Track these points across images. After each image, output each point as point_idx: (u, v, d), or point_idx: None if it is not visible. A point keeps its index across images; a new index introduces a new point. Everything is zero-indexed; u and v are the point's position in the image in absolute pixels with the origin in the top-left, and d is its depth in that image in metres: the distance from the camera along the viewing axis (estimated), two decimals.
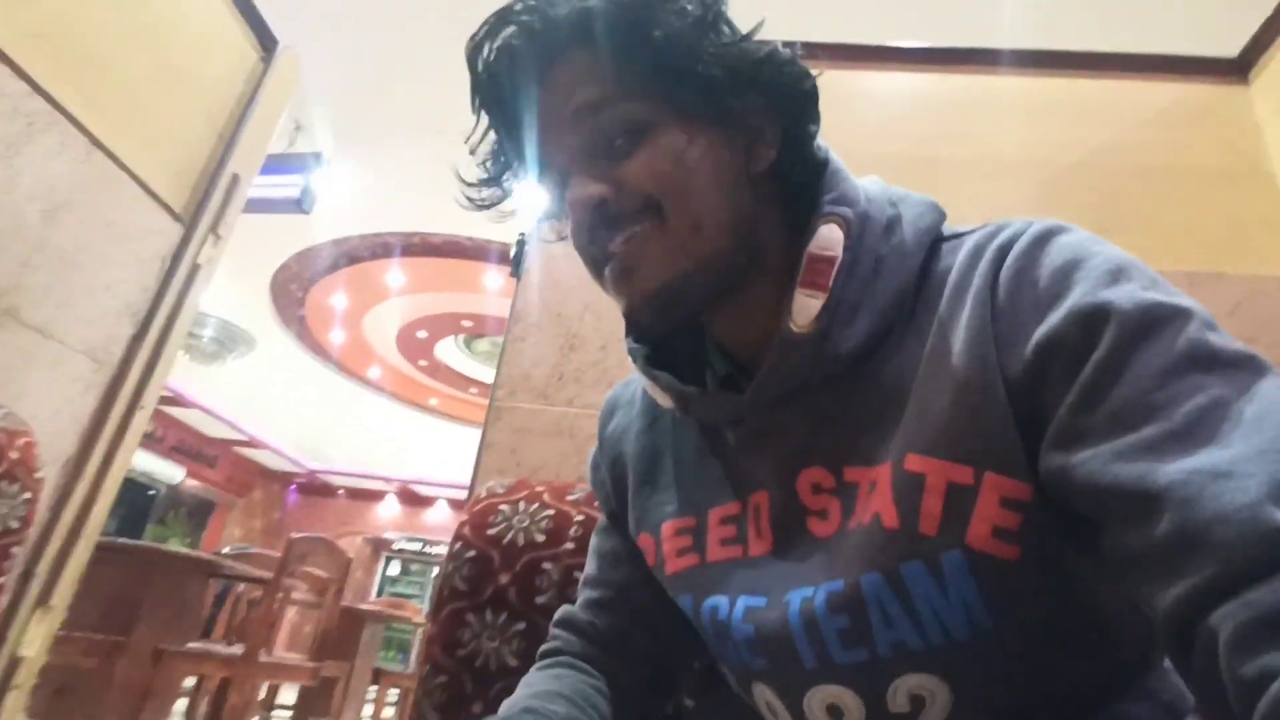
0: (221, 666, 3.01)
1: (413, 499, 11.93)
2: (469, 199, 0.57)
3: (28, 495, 1.15)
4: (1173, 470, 0.35)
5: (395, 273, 6.01)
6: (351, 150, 4.44)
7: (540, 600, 1.00)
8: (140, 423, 1.55)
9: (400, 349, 7.67)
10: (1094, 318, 0.40)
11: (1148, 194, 1.50)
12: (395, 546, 11.64)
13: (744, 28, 0.53)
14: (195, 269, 1.67)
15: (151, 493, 9.85)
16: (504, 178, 0.56)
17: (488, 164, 0.56)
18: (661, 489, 0.60)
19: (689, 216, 0.48)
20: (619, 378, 1.37)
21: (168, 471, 9.81)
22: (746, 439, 0.54)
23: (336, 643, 3.69)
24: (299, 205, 4.10)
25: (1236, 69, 1.62)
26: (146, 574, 3.06)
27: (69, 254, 1.41)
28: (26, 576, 1.34)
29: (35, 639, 1.36)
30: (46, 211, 1.36)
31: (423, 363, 7.91)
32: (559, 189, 0.53)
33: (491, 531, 1.05)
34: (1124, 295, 0.40)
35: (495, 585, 1.01)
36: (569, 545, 1.03)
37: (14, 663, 1.32)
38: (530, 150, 0.53)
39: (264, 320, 7.18)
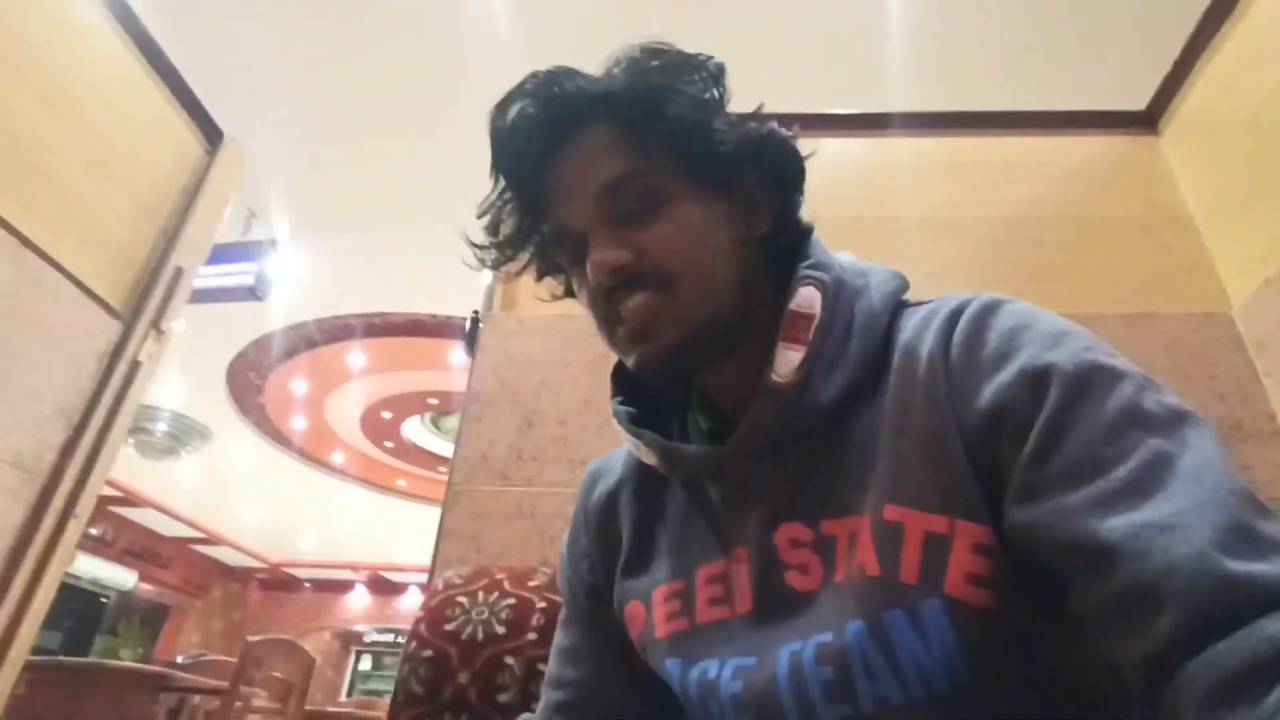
0: None
1: (383, 587, 11.49)
2: (480, 260, 0.60)
3: None
4: (1123, 524, 0.37)
5: (356, 354, 5.94)
6: (307, 235, 4.43)
7: (503, 699, 0.94)
8: (74, 531, 1.47)
9: (365, 431, 7.51)
10: (1040, 378, 0.44)
11: (1077, 243, 1.55)
12: (366, 639, 11.15)
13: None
14: (135, 366, 1.62)
15: (103, 600, 9.34)
16: (516, 239, 0.59)
17: (500, 226, 0.59)
18: (654, 556, 0.61)
19: (699, 284, 0.52)
20: (579, 452, 1.35)
21: (119, 577, 9.34)
22: (729, 494, 0.56)
23: None
24: (254, 293, 4.06)
25: (1145, 121, 1.71)
26: (86, 694, 2.85)
27: None
28: None
29: None
30: None
31: (389, 444, 7.75)
32: (571, 252, 0.56)
33: (449, 627, 1.00)
34: (1066, 356, 0.44)
35: (454, 686, 0.95)
36: (531, 635, 0.98)
37: None
38: (547, 214, 0.56)
39: (220, 411, 7.00)
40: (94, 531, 8.81)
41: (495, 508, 1.30)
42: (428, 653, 0.98)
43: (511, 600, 1.02)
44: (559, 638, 0.67)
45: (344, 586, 11.66)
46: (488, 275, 1.60)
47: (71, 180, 1.53)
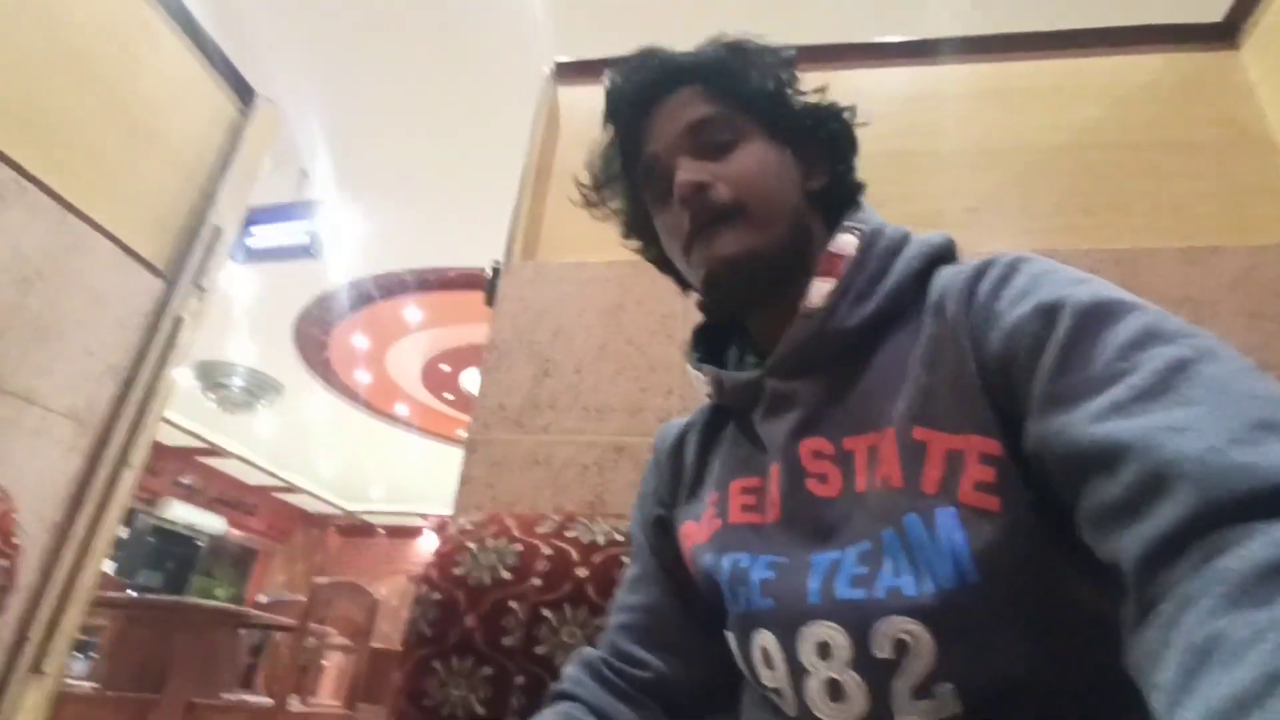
0: (253, 718, 3.01)
1: None
2: (584, 198, 0.74)
3: (5, 562, 1.14)
4: (1137, 425, 0.38)
5: (413, 309, 6.07)
6: (360, 192, 4.51)
7: (507, 642, 0.96)
8: (129, 481, 1.55)
9: (425, 384, 7.74)
10: (1052, 309, 0.47)
11: (1136, 171, 1.43)
12: None
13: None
14: (179, 322, 1.68)
15: (198, 544, 10.03)
16: (616, 177, 0.71)
17: (605, 168, 0.71)
18: (708, 480, 0.68)
19: (764, 210, 0.61)
20: (592, 400, 1.34)
21: (210, 523, 9.99)
22: (765, 414, 0.62)
23: (369, 686, 3.67)
24: (309, 251, 4.16)
25: (1223, 33, 1.55)
26: (175, 629, 3.08)
27: (46, 321, 1.42)
28: (18, 644, 1.34)
29: (31, 706, 1.36)
30: (21, 281, 1.38)
31: (448, 395, 7.97)
32: (658, 183, 0.66)
33: (457, 571, 1.02)
34: (1081, 292, 0.47)
35: (461, 628, 0.98)
36: (536, 581, 0.99)
37: None
38: (643, 152, 0.67)
39: (290, 366, 7.30)
40: (185, 481, 9.43)
41: (511, 456, 1.31)
42: (436, 596, 1.01)
43: (518, 546, 1.03)
44: (628, 571, 0.75)
45: (414, 532, 12.19)
46: (510, 222, 1.59)
47: (109, 146, 1.58)
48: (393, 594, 11.84)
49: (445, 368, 7.29)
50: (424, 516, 11.70)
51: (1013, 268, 0.53)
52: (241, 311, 5.93)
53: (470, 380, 7.56)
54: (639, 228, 0.73)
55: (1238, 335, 1.20)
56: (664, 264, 0.74)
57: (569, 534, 1.04)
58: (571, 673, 0.68)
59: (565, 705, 0.64)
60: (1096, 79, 1.56)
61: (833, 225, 0.64)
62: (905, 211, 1.43)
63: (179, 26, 1.78)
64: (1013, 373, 0.48)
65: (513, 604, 0.98)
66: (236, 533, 10.53)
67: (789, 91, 0.67)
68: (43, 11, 1.45)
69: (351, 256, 5.11)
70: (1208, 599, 0.31)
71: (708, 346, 0.72)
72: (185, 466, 9.50)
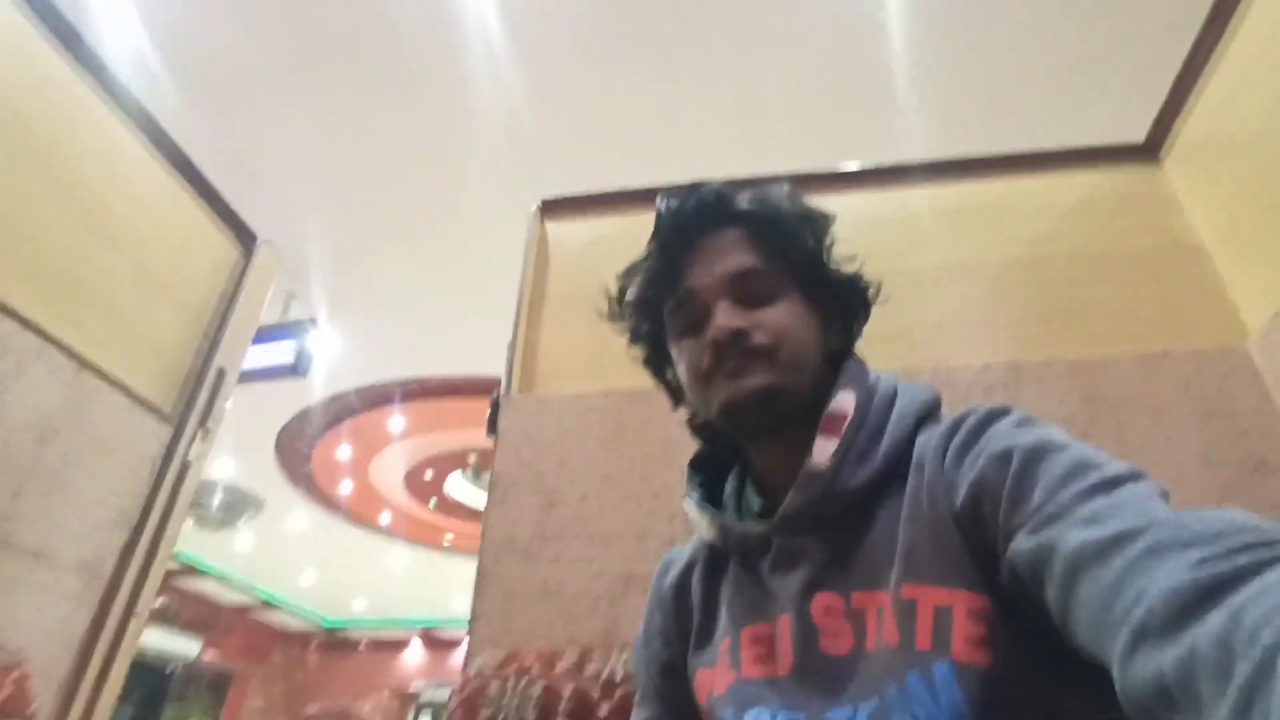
0: None
1: (437, 644, 11.54)
2: (611, 314, 0.77)
3: None
4: (1057, 530, 0.45)
5: (396, 418, 6.09)
6: (343, 311, 4.61)
7: None
8: (135, 630, 1.55)
9: (409, 491, 7.65)
10: (1004, 455, 0.53)
11: (1085, 281, 1.56)
12: (424, 698, 11.16)
13: None
14: (186, 466, 1.72)
15: (168, 671, 9.55)
16: (650, 297, 0.73)
17: (639, 289, 0.73)
18: (718, 627, 0.69)
19: (793, 358, 0.65)
20: (599, 529, 1.39)
21: (183, 647, 9.55)
22: (774, 565, 0.64)
23: None
24: (294, 370, 4.22)
25: (1146, 152, 1.72)
26: None
27: (60, 474, 1.45)
28: None
29: None
30: (38, 438, 1.42)
31: (433, 502, 7.87)
32: (690, 315, 0.69)
33: (484, 714, 1.04)
34: (1025, 438, 0.54)
35: None
36: None
37: None
38: (681, 280, 0.69)
39: (271, 481, 7.21)
40: (159, 603, 9.06)
41: (523, 588, 1.34)
42: None
43: (539, 686, 1.05)
44: (636, 714, 0.75)
45: (399, 645, 11.74)
46: (508, 339, 1.67)
47: (120, 299, 1.65)
48: (376, 710, 11.28)
49: (429, 474, 7.23)
50: (407, 628, 11.28)
51: (976, 430, 0.59)
52: (223, 430, 5.89)
53: (454, 485, 7.49)
54: (650, 341, 0.76)
55: (1192, 434, 1.30)
56: (660, 375, 0.77)
57: (588, 671, 1.07)
58: None
59: None
60: (1041, 197, 1.71)
61: (829, 381, 0.67)
62: (880, 330, 1.55)
63: (184, 179, 1.89)
64: (982, 517, 0.53)
65: None
66: (211, 655, 10.05)
67: (827, 254, 0.71)
68: (62, 176, 1.55)
69: (335, 371, 5.17)
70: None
71: (704, 476, 0.75)
72: (160, 590, 9.13)
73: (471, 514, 7.92)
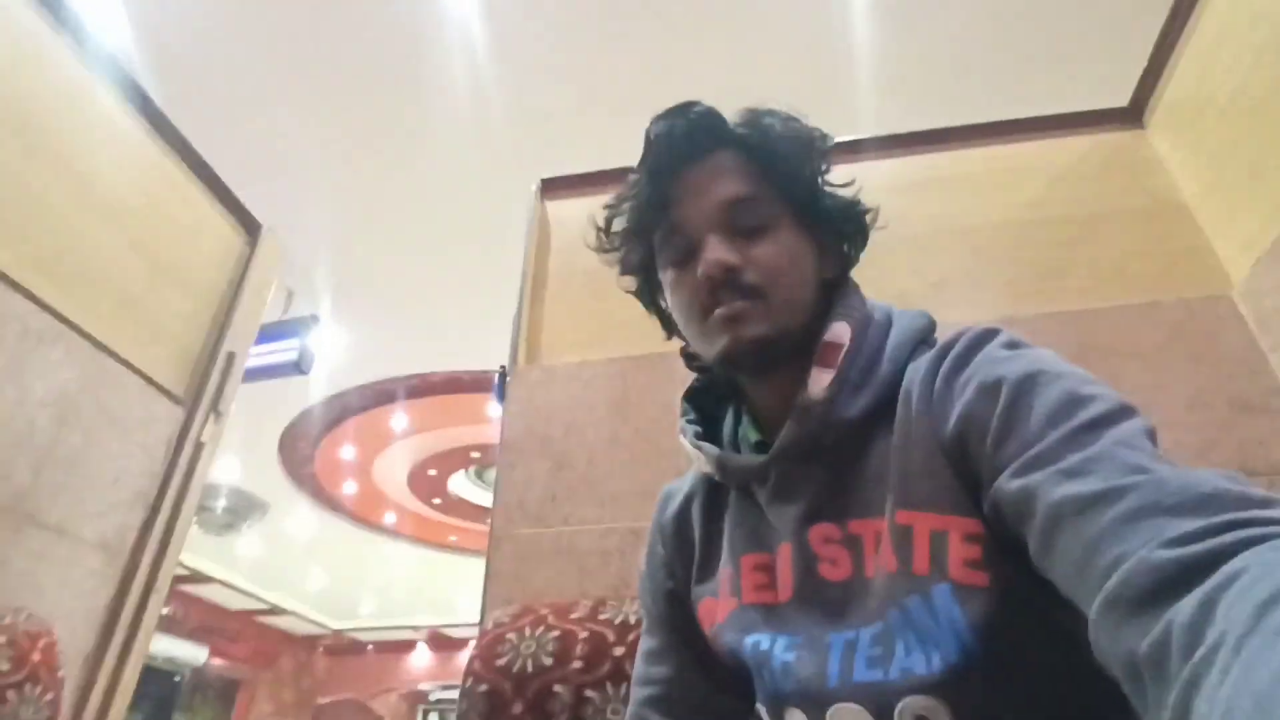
0: None
1: (444, 644, 11.57)
2: (599, 245, 0.73)
3: (50, 695, 1.17)
4: (1041, 475, 0.45)
5: (399, 416, 6.11)
6: (344, 308, 4.64)
7: None
8: (155, 606, 1.59)
9: (413, 490, 7.67)
10: (992, 387, 0.53)
11: (1076, 240, 1.60)
12: (432, 698, 11.19)
13: None
14: (199, 447, 1.75)
15: (176, 679, 9.57)
16: (637, 229, 0.70)
17: (628, 219, 0.70)
18: (719, 557, 0.70)
19: (786, 298, 0.63)
20: (607, 489, 1.42)
21: (191, 654, 9.57)
22: (771, 497, 0.65)
23: None
24: (298, 368, 4.24)
25: (1130, 115, 1.76)
26: None
27: (79, 453, 1.49)
28: None
29: None
30: (56, 417, 1.45)
31: (437, 500, 7.89)
32: (680, 249, 0.66)
33: (500, 662, 1.08)
34: (1013, 368, 0.53)
35: (509, 716, 1.03)
36: (577, 664, 1.05)
37: None
38: (670, 211, 0.67)
39: (275, 483, 7.23)
40: (164, 610, 9.04)
41: (535, 549, 1.38)
42: (483, 687, 1.06)
43: (556, 633, 1.09)
44: (643, 643, 0.76)
45: (406, 647, 11.76)
46: (512, 316, 1.70)
47: (132, 284, 1.69)
48: (386, 712, 11.30)
49: (433, 472, 7.25)
50: (414, 628, 11.31)
51: (964, 356, 0.58)
52: (227, 431, 5.91)
53: (458, 484, 7.51)
54: (642, 270, 0.73)
55: (1182, 378, 1.34)
56: (652, 305, 0.76)
57: (602, 616, 1.10)
58: None
59: None
60: (1030, 162, 1.75)
61: (825, 311, 0.66)
62: (878, 290, 1.59)
63: (192, 170, 1.92)
64: (969, 450, 0.53)
65: (557, 688, 1.03)
66: (218, 662, 10.07)
67: (823, 180, 0.68)
68: (74, 167, 1.59)
69: (337, 369, 5.19)
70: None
71: (700, 410, 0.74)
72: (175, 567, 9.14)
73: (476, 511, 7.94)
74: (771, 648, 0.61)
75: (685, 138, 0.66)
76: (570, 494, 1.42)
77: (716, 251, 0.62)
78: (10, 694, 1.11)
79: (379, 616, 11.27)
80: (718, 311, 0.63)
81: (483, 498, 7.65)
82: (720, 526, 0.71)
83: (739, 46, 2.92)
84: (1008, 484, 0.47)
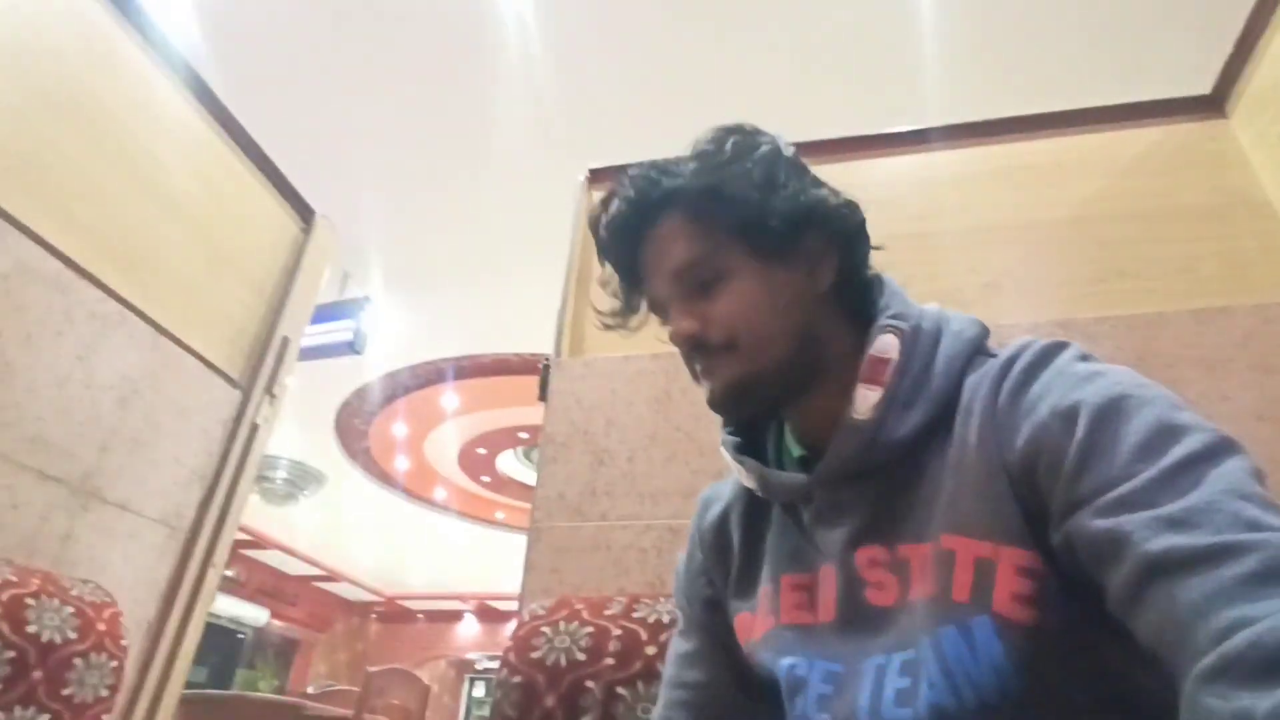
0: None
1: (491, 615, 11.85)
2: (604, 324, 0.73)
3: (115, 663, 1.23)
4: (1138, 519, 0.41)
5: (449, 396, 6.24)
6: (398, 290, 4.74)
7: None
8: (213, 579, 1.66)
9: (463, 468, 7.84)
10: (1068, 413, 0.49)
11: (1142, 239, 1.52)
12: (478, 667, 11.49)
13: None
14: (254, 429, 1.82)
15: (240, 637, 10.05)
16: (626, 307, 0.71)
17: (616, 296, 0.72)
18: (760, 571, 0.68)
19: (755, 343, 0.61)
20: (647, 487, 1.42)
21: (253, 614, 10.03)
22: (816, 516, 0.63)
23: None
24: (352, 347, 4.36)
25: (1212, 105, 1.66)
26: None
27: (141, 434, 1.55)
28: None
29: None
30: (120, 399, 1.52)
31: (485, 478, 8.05)
32: (662, 316, 0.68)
33: (535, 654, 1.09)
34: (1092, 392, 0.49)
35: (542, 709, 1.04)
36: (609, 661, 1.06)
37: None
38: (643, 287, 0.68)
39: (332, 456, 7.47)
40: (229, 573, 9.52)
41: (573, 542, 1.39)
42: (517, 679, 1.08)
43: (590, 629, 1.10)
44: (676, 644, 0.75)
45: (454, 616, 12.09)
46: (556, 321, 1.71)
47: (192, 271, 1.75)
48: (433, 679, 11.67)
49: (481, 451, 7.39)
50: (462, 600, 11.62)
51: (1032, 370, 0.54)
52: (285, 407, 6.13)
53: (506, 463, 7.64)
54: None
55: (1251, 389, 1.27)
56: None
57: (636, 614, 1.11)
58: None
59: None
60: (1095, 154, 1.67)
61: (858, 316, 0.64)
62: (929, 290, 1.55)
63: (251, 160, 1.97)
64: (1038, 478, 0.49)
65: (589, 684, 1.05)
66: (278, 623, 10.53)
67: (776, 197, 0.63)
68: (136, 156, 1.65)
69: (391, 349, 5.32)
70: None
71: (745, 428, 0.71)
72: (229, 558, 9.59)
73: (524, 490, 8.07)
74: (808, 675, 0.59)
75: (628, 219, 0.66)
76: (610, 489, 1.43)
77: (678, 322, 0.63)
78: (77, 661, 1.17)
79: (429, 586, 11.61)
80: (696, 368, 0.64)
81: (530, 477, 7.76)
82: (761, 541, 0.70)
83: (796, 35, 2.85)
84: (1090, 523, 0.44)
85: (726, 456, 0.69)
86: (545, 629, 1.12)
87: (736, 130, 0.67)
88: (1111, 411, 0.47)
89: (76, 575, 1.30)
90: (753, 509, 0.71)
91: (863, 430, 0.58)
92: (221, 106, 1.88)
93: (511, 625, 1.16)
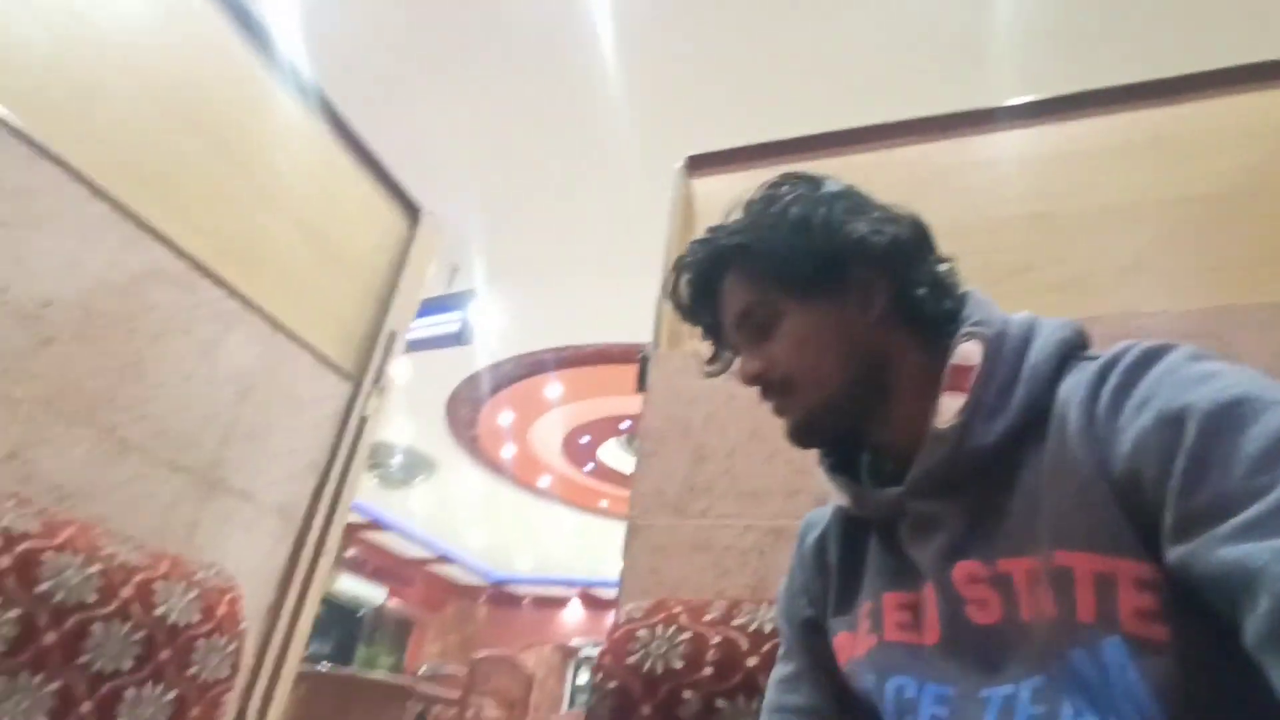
0: None
1: (594, 603, 12.07)
2: (706, 374, 0.79)
3: (234, 645, 1.29)
4: (1269, 548, 0.37)
5: (553, 385, 6.37)
6: (503, 281, 4.85)
7: None
8: (325, 566, 1.72)
9: (567, 456, 8.00)
10: (1175, 419, 0.45)
11: None
12: (583, 654, 11.73)
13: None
14: (364, 421, 1.87)
15: (359, 614, 10.68)
16: (720, 357, 0.77)
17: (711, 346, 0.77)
18: (859, 590, 0.68)
19: (809, 379, 0.65)
20: (748, 485, 1.36)
21: (371, 593, 10.63)
22: (911, 531, 0.62)
23: None
24: (459, 339, 4.50)
25: None
26: (352, 701, 3.29)
27: (258, 426, 1.63)
28: (239, 718, 1.50)
29: None
30: (240, 392, 1.59)
31: (589, 467, 8.19)
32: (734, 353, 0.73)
33: (631, 660, 1.05)
34: (1203, 395, 0.45)
35: (638, 717, 1.00)
36: (708, 670, 1.00)
37: None
38: (726, 341, 0.74)
39: (443, 444, 7.80)
40: (351, 552, 10.17)
41: (672, 541, 1.35)
42: (612, 684, 1.04)
43: (688, 634, 1.05)
44: (777, 670, 0.75)
45: (560, 603, 12.39)
46: (654, 312, 1.67)
47: (303, 268, 1.81)
48: (539, 664, 12.02)
49: (584, 440, 7.51)
50: (568, 585, 11.90)
51: (1135, 372, 0.51)
52: (399, 395, 6.44)
53: (609, 453, 7.73)
54: None
55: None
56: None
57: (736, 621, 1.05)
58: None
59: None
60: (1248, 120, 1.45)
61: (933, 331, 0.64)
62: (1055, 275, 1.40)
63: (359, 159, 2.03)
64: (1143, 490, 0.46)
65: (686, 694, 1.00)
66: (395, 603, 11.13)
67: (809, 240, 0.66)
68: (248, 156, 1.73)
69: (497, 339, 5.47)
70: None
71: (839, 448, 0.72)
72: (350, 541, 10.23)
73: (626, 480, 8.15)
74: (919, 696, 0.57)
75: (694, 283, 0.73)
76: (709, 486, 1.37)
77: (743, 365, 0.69)
78: (199, 643, 1.23)
79: (535, 572, 11.96)
80: (770, 408, 0.69)
81: (632, 465, 7.82)
82: (860, 560, 0.69)
83: (883, 14, 2.68)
84: (1214, 552, 0.40)
85: (822, 476, 0.71)
86: (642, 633, 1.08)
87: (783, 180, 0.71)
88: (1226, 417, 0.43)
89: (202, 560, 1.37)
90: (851, 529, 0.71)
91: (947, 438, 0.58)
92: (331, 109, 1.94)
93: (610, 617, 1.13)
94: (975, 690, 0.54)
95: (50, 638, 1.01)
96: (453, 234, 4.13)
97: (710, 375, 0.79)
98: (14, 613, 0.97)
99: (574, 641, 11.86)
